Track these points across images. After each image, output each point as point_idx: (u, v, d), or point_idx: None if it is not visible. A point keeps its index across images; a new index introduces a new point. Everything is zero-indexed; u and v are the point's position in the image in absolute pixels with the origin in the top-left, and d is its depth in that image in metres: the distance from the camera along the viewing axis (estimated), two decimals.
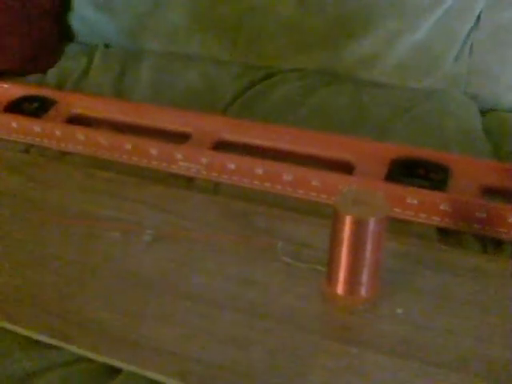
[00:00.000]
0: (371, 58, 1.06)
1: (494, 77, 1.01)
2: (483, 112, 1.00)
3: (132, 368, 0.54)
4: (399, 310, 0.59)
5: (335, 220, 0.56)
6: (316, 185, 0.75)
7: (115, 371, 0.55)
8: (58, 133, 0.87)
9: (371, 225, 0.55)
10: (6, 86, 1.00)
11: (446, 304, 0.59)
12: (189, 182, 0.81)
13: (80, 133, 0.85)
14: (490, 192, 0.74)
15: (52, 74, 1.10)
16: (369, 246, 0.56)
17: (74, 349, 0.56)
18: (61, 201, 0.76)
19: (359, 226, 0.55)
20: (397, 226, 0.69)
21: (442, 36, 1.02)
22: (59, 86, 1.06)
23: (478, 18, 1.00)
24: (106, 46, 1.20)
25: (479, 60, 1.02)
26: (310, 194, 0.76)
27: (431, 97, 1.01)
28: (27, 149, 0.89)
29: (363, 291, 0.58)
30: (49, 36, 1.16)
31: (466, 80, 1.03)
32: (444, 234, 0.71)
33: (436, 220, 0.71)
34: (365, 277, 0.57)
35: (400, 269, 0.64)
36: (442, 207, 0.70)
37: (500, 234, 0.69)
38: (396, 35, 1.03)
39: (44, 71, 1.11)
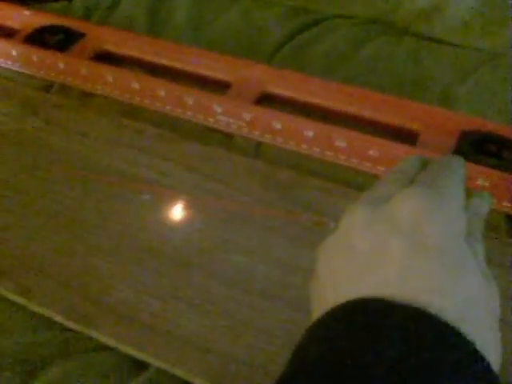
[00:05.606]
0: (432, 10, 0.94)
1: None
2: None
3: (161, 364, 0.47)
4: None
5: None
6: (373, 155, 0.66)
7: (142, 366, 0.48)
8: (83, 71, 0.77)
9: None
10: (27, 13, 0.89)
11: None
12: (227, 138, 0.72)
13: (109, 73, 0.76)
14: None
15: (79, 1, 0.99)
16: None
17: (95, 335, 0.49)
18: (83, 151, 0.67)
19: None
20: None
21: None
22: (87, 16, 0.96)
23: None
24: None
25: None
26: (365, 164, 0.66)
27: (497, 60, 0.90)
28: (48, 87, 0.79)
29: None
30: None
31: None
32: None
33: (507, 207, 0.62)
34: None
35: None
36: None
37: None
38: None
39: None
